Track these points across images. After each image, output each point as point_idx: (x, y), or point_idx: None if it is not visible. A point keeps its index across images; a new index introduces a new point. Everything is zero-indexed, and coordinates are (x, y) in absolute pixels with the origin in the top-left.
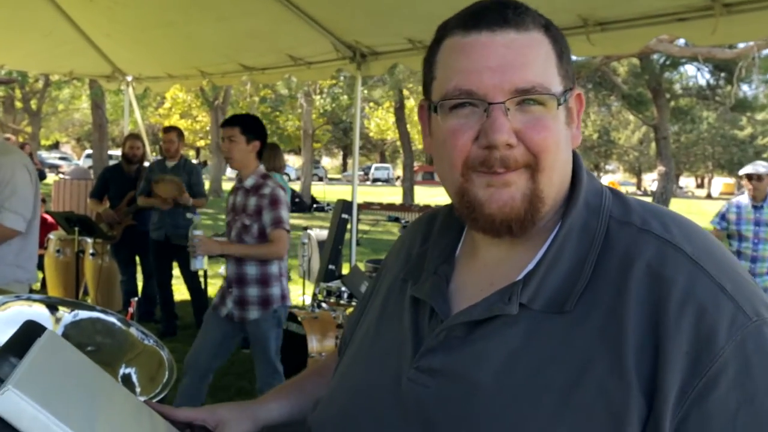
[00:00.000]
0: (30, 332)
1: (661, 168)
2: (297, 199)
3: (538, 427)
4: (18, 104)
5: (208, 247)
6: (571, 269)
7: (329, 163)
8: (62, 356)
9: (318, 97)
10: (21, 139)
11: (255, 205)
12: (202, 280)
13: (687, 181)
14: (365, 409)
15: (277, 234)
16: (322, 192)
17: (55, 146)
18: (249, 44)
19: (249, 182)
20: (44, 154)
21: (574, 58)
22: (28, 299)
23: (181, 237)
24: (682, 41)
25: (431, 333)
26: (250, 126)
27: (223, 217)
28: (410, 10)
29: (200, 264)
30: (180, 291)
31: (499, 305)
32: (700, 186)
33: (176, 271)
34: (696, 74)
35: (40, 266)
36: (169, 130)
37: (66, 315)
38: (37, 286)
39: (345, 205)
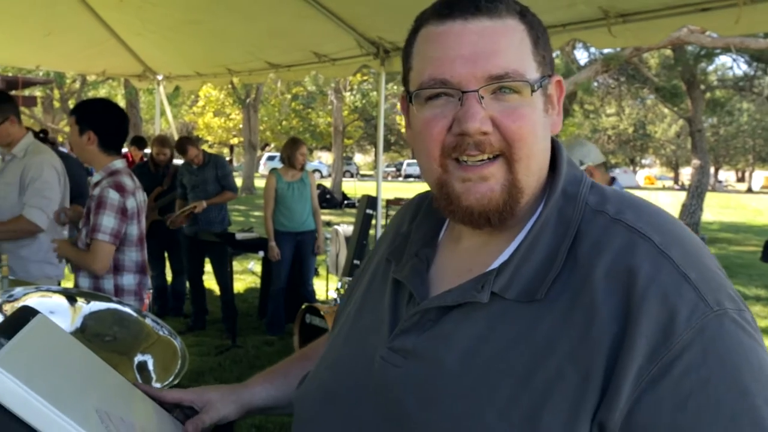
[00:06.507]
0: (23, 316)
1: (696, 161)
2: (328, 196)
3: (496, 410)
4: (56, 104)
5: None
6: (545, 259)
7: (362, 159)
8: (51, 338)
9: (348, 93)
10: (61, 139)
11: (87, 206)
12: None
13: (727, 175)
14: (342, 385)
15: (94, 245)
16: (353, 188)
17: None
18: (274, 42)
19: (95, 178)
20: None
21: (599, 51)
22: (48, 290)
23: (211, 233)
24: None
25: (408, 315)
26: (85, 114)
27: (257, 213)
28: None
29: None
30: (208, 286)
31: (472, 293)
32: (740, 180)
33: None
34: (732, 65)
35: None
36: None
37: (84, 306)
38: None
39: (370, 201)
